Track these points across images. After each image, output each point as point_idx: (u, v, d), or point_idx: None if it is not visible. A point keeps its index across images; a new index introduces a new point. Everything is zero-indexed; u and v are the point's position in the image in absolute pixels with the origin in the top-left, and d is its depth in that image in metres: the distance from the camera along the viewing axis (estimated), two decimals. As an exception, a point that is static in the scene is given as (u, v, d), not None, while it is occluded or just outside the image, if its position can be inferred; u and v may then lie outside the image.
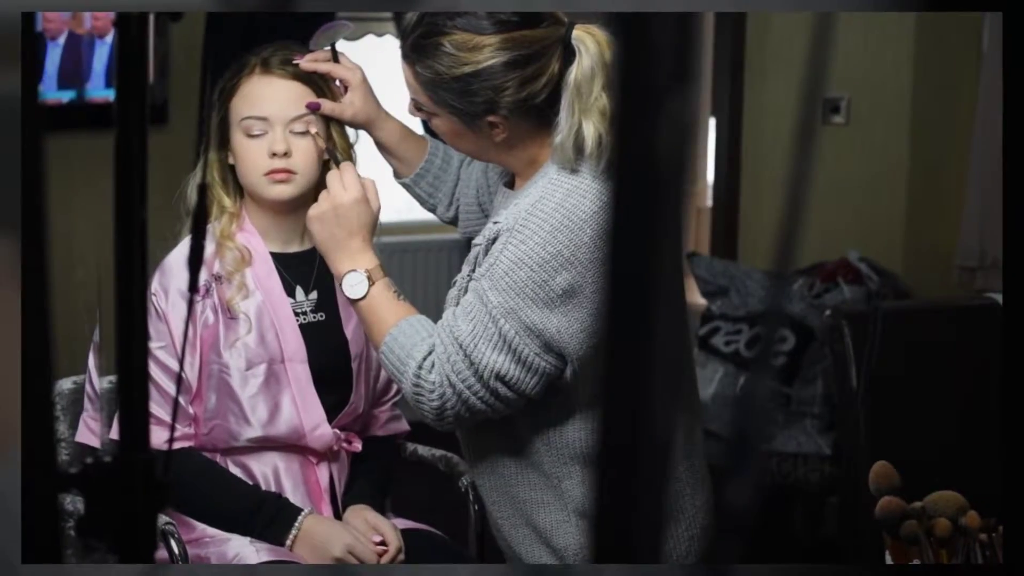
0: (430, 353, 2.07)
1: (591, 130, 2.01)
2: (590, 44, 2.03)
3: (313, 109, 2.35)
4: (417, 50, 2.06)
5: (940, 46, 4.86)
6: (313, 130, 2.35)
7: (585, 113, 2.02)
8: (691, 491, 2.21)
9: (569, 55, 2.04)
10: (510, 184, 2.25)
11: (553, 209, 2.02)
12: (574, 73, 2.02)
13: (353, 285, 2.13)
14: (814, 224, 4.75)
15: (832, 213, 4.84)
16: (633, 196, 0.52)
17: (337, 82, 2.39)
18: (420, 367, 2.06)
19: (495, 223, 2.09)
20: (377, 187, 2.22)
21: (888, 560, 2.07)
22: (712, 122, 5.45)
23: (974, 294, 4.51)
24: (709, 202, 5.54)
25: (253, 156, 2.33)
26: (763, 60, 5.12)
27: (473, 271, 2.11)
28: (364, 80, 2.39)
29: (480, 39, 2.02)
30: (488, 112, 2.05)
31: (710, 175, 5.56)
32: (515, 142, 2.11)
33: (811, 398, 4.21)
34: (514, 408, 2.09)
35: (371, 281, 2.13)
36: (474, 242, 2.15)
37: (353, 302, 2.15)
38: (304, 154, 2.34)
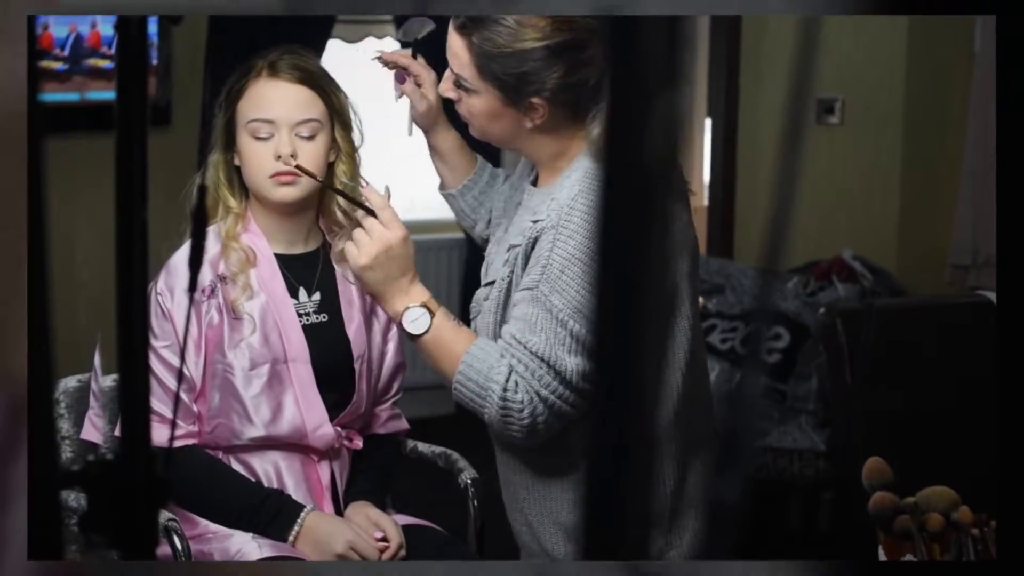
0: (511, 374, 2.04)
1: None
2: None
3: (400, 81, 2.36)
4: (476, 21, 2.06)
5: (932, 47, 4.86)
6: (316, 134, 2.36)
7: None
8: (708, 483, 2.20)
9: None
10: (534, 181, 2.24)
11: (595, 201, 2.01)
12: None
13: (414, 320, 2.10)
14: (809, 223, 4.75)
15: (826, 212, 4.84)
16: (624, 194, 0.52)
17: (412, 78, 2.39)
18: (505, 389, 2.04)
19: (534, 221, 2.08)
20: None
21: (881, 555, 2.07)
22: (708, 123, 5.45)
23: (967, 292, 4.51)
24: (705, 201, 5.54)
25: (259, 158, 2.34)
26: (758, 62, 5.12)
27: (513, 272, 2.10)
28: (436, 82, 2.37)
29: (539, 18, 2.02)
30: (535, 92, 2.05)
31: (706, 175, 5.56)
32: (548, 129, 2.11)
33: (806, 394, 4.21)
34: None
35: (431, 313, 2.10)
36: (512, 243, 2.14)
37: (415, 338, 2.11)
38: (309, 157, 2.35)
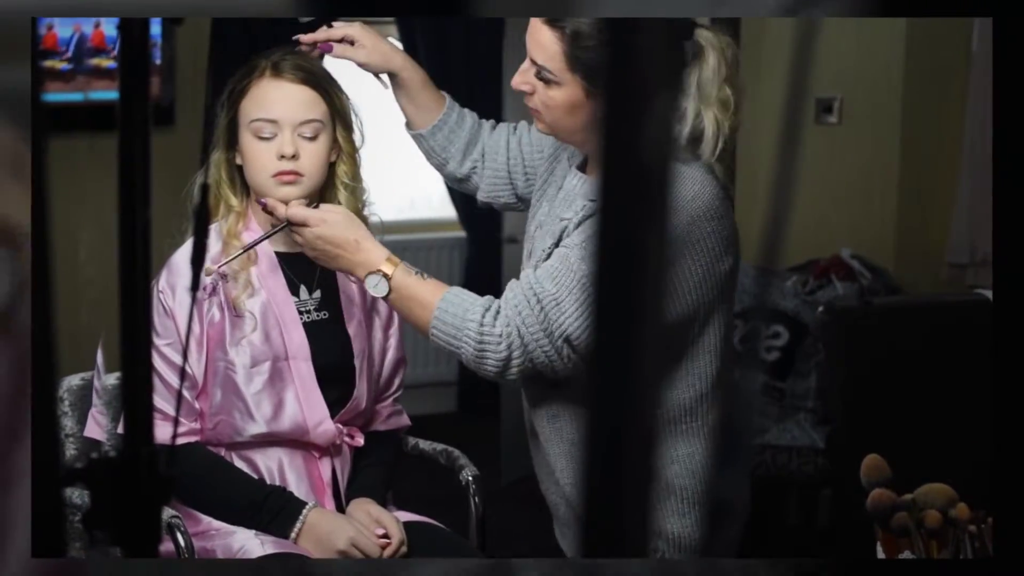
0: (488, 309, 2.11)
1: (711, 118, 2.11)
2: (713, 41, 2.12)
3: (326, 51, 2.40)
4: None
5: (930, 47, 4.86)
6: (318, 135, 2.37)
7: (706, 104, 2.10)
8: (711, 480, 2.22)
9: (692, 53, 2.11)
10: (582, 167, 2.29)
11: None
12: (699, 68, 2.10)
13: (374, 286, 2.18)
14: (807, 222, 4.75)
15: (825, 211, 4.83)
16: (624, 191, 0.52)
17: (343, 40, 2.43)
18: (482, 323, 2.10)
19: (591, 200, 2.13)
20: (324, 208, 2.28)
21: (879, 551, 2.07)
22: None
23: (964, 290, 4.51)
24: (705, 201, 5.53)
25: (262, 158, 2.34)
26: (757, 62, 5.12)
27: (559, 240, 2.16)
28: (365, 27, 2.45)
29: None
30: None
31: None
32: None
33: (805, 392, 4.21)
34: (573, 371, 2.14)
35: (387, 275, 2.16)
36: (563, 216, 2.19)
37: (385, 300, 2.20)
38: (311, 157, 2.36)
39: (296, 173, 2.34)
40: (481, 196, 2.54)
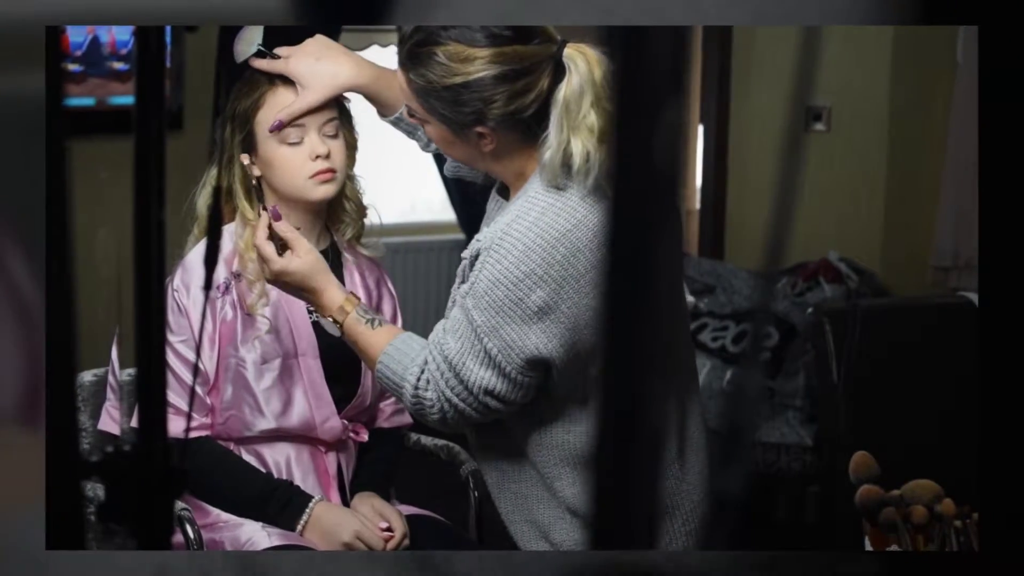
0: (423, 372, 2.06)
1: (579, 147, 1.95)
2: (580, 63, 1.98)
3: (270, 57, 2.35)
4: (412, 58, 2.02)
5: (917, 56, 4.87)
6: (338, 132, 2.36)
7: (574, 130, 1.96)
8: (688, 487, 2.18)
9: (559, 73, 1.99)
10: (503, 191, 2.21)
11: (527, 228, 1.97)
12: (563, 91, 1.96)
13: (328, 326, 2.18)
14: (797, 225, 4.75)
15: (814, 215, 4.84)
16: (632, 197, 0.52)
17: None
18: (416, 387, 2.06)
19: (477, 240, 2.05)
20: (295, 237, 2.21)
21: (867, 546, 2.07)
22: (700, 129, 5.46)
23: (948, 292, 4.51)
24: (698, 204, 5.54)
25: (296, 162, 2.33)
26: (748, 71, 5.13)
27: (461, 285, 2.09)
28: (302, 57, 2.34)
29: (472, 51, 1.97)
30: (476, 123, 2.01)
31: (698, 179, 5.56)
32: (503, 154, 2.07)
33: (794, 391, 4.21)
34: (508, 414, 2.09)
35: (339, 322, 2.14)
36: (462, 255, 2.11)
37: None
38: (338, 153, 2.36)
39: (332, 170, 2.34)
40: (446, 170, 2.47)
